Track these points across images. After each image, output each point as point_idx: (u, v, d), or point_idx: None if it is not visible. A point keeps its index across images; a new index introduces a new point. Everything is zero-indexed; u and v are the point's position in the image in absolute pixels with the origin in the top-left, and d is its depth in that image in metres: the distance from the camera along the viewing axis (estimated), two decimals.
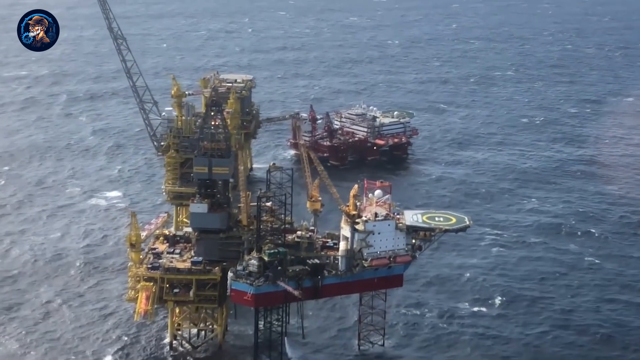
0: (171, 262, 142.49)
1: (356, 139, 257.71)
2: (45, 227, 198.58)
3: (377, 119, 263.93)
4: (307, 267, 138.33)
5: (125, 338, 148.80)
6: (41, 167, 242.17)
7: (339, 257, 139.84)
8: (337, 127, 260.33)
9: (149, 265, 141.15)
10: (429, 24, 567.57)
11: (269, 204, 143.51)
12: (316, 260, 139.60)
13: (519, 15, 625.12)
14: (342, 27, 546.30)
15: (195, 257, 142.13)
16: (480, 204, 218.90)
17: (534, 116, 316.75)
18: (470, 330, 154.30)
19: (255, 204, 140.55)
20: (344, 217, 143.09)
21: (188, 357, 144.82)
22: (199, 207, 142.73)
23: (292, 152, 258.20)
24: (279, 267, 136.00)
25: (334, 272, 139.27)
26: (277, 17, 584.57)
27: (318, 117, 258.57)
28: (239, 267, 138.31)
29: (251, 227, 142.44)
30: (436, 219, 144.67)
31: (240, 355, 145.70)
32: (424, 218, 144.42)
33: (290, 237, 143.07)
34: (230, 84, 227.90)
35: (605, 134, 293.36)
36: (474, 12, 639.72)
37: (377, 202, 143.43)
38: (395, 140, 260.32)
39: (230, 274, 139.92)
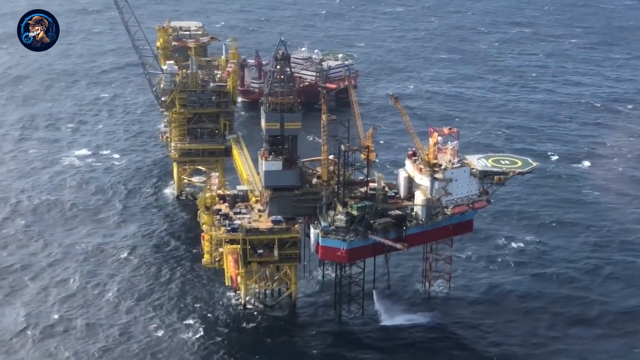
0: (249, 222, 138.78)
1: (307, 83, 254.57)
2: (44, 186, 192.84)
3: (324, 63, 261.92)
4: (391, 218, 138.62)
5: (197, 303, 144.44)
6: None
7: (419, 207, 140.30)
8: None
9: (228, 228, 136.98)
10: None
11: (331, 157, 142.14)
12: (397, 211, 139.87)
13: None
14: None
15: (274, 217, 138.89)
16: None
17: (457, 49, 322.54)
18: (533, 263, 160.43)
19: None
20: (413, 166, 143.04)
21: (261, 316, 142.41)
22: (274, 164, 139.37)
23: (240, 99, 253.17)
24: (370, 221, 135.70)
25: (414, 222, 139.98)
26: None
27: (264, 62, 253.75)
28: (324, 223, 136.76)
29: (330, 182, 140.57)
30: (501, 162, 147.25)
31: (317, 310, 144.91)
32: (490, 162, 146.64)
33: (363, 189, 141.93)
34: (188, 32, 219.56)
35: (542, 64, 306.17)
36: None
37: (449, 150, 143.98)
38: (345, 83, 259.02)
39: (315, 231, 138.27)
